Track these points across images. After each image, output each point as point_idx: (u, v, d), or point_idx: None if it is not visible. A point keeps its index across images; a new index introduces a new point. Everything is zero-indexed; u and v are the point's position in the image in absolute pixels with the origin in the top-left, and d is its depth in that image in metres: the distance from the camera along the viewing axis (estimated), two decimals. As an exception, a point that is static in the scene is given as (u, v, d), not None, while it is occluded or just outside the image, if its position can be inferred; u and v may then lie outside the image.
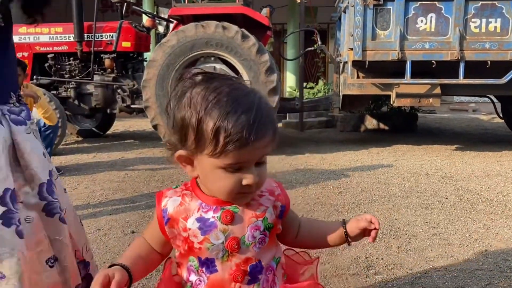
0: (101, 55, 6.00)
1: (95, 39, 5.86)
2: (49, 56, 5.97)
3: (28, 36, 5.93)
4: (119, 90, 6.04)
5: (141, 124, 8.40)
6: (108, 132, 7.26)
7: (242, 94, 0.90)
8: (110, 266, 0.95)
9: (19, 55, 5.79)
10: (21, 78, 4.26)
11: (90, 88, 6.05)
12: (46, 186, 1.11)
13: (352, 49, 4.92)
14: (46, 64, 6.02)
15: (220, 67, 5.29)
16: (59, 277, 1.10)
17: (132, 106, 6.03)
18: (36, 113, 4.44)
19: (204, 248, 0.96)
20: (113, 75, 6.03)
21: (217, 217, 0.96)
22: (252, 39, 5.13)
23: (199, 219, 0.96)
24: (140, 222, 3.06)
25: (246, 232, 0.98)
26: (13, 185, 1.03)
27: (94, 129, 6.91)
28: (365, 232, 1.14)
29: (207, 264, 0.98)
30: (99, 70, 6.07)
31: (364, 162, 5.11)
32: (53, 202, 1.12)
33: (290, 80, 10.77)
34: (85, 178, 4.32)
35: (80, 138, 6.84)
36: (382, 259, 2.43)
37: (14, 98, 1.14)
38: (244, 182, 0.90)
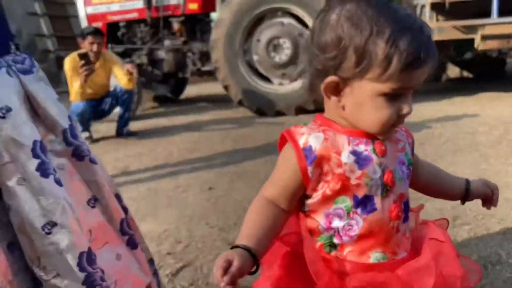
0: (170, 20, 6.06)
1: (163, 3, 5.92)
2: (121, 24, 6.14)
3: (101, 6, 6.13)
4: (189, 54, 6.10)
5: (212, 88, 8.50)
6: (182, 97, 7.43)
7: (405, 12, 0.83)
8: (232, 248, 0.84)
9: (93, 25, 6.02)
10: (100, 46, 4.45)
11: (162, 53, 6.17)
12: (70, 131, 1.08)
13: (430, -10, 4.54)
14: (119, 33, 6.20)
15: (288, 21, 5.15)
16: (102, 216, 1.10)
17: (203, 69, 6.09)
18: (114, 79, 4.62)
19: (362, 184, 0.87)
20: (182, 39, 6.09)
21: (371, 149, 0.88)
22: (321, -11, 4.89)
23: (353, 152, 0.87)
24: (217, 179, 3.11)
25: (396, 166, 0.91)
26: (39, 136, 1.01)
27: (168, 94, 7.10)
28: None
29: (365, 203, 0.88)
30: (169, 34, 6.15)
31: (447, 112, 4.80)
32: (79, 145, 1.10)
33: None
34: (162, 140, 4.46)
35: (155, 104, 7.07)
36: (469, 209, 2.27)
37: (13, 47, 1.06)
38: (404, 111, 0.84)
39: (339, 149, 0.87)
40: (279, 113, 5.21)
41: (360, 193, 0.87)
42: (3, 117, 0.95)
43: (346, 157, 0.86)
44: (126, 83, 4.42)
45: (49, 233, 0.95)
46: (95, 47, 4.37)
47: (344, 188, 0.87)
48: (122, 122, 4.68)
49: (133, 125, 5.09)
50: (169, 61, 6.12)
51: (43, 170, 0.98)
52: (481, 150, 3.30)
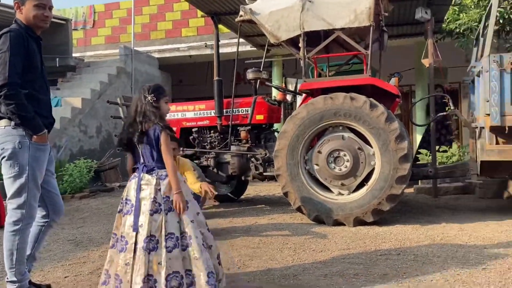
0: (238, 128, 6.56)
1: (233, 113, 6.46)
2: (193, 130, 6.71)
3: (177, 113, 6.77)
4: (252, 159, 6.47)
5: (270, 189, 8.77)
6: (242, 197, 7.72)
7: None
8: None
9: (169, 130, 6.61)
10: (176, 152, 4.89)
11: (227, 157, 6.58)
12: None
13: (488, 114, 4.71)
14: (191, 137, 6.75)
15: (348, 135, 5.43)
16: None
17: (264, 173, 6.40)
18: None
19: None
20: (247, 145, 6.51)
21: None
22: (381, 108, 5.21)
23: None
24: (277, 291, 3.21)
25: None
26: None
27: (229, 194, 7.42)
28: None
29: None
30: (235, 141, 6.60)
31: (510, 234, 4.69)
32: None
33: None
34: (223, 243, 4.63)
35: (217, 203, 7.38)
36: None
37: None
38: None
39: None
40: (337, 223, 5.30)
41: None
42: None
43: None
44: (196, 189, 4.76)
45: None
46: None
47: None
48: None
49: (196, 225, 5.35)
50: (234, 164, 6.50)
51: None
52: (549, 282, 3.21)
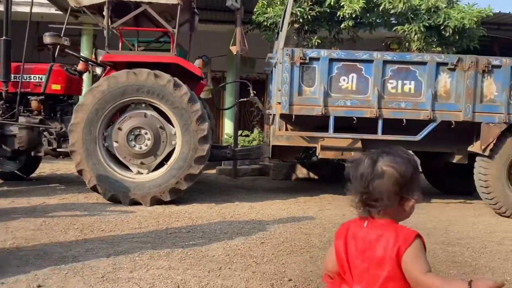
0: (28, 97, 5.84)
1: (23, 80, 5.72)
2: (-29, 95, 5.73)
3: (-51, 75, 5.67)
4: (45, 133, 5.85)
5: (69, 167, 8.08)
6: (33, 175, 6.95)
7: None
8: None
9: None
10: None
11: (14, 129, 5.81)
12: None
13: (280, 103, 5.13)
14: (-32, 103, 5.76)
15: (151, 113, 5.31)
16: None
17: (58, 149, 5.85)
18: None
19: None
20: (40, 117, 5.86)
21: None
22: (184, 88, 5.22)
23: None
24: (50, 275, 2.93)
25: None
26: None
27: (16, 171, 6.59)
28: None
29: None
30: (25, 111, 5.87)
31: (290, 211, 5.23)
32: None
33: (228, 127, 10.91)
34: (-3, 225, 4.09)
35: (0, 181, 6.49)
36: (290, 313, 2.47)
37: None
38: None
39: None
40: (134, 202, 5.16)
41: None
42: None
43: None
44: None
45: None
46: None
47: None
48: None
49: (-34, 206, 4.60)
50: (22, 138, 5.77)
51: None
52: (312, 252, 3.65)
